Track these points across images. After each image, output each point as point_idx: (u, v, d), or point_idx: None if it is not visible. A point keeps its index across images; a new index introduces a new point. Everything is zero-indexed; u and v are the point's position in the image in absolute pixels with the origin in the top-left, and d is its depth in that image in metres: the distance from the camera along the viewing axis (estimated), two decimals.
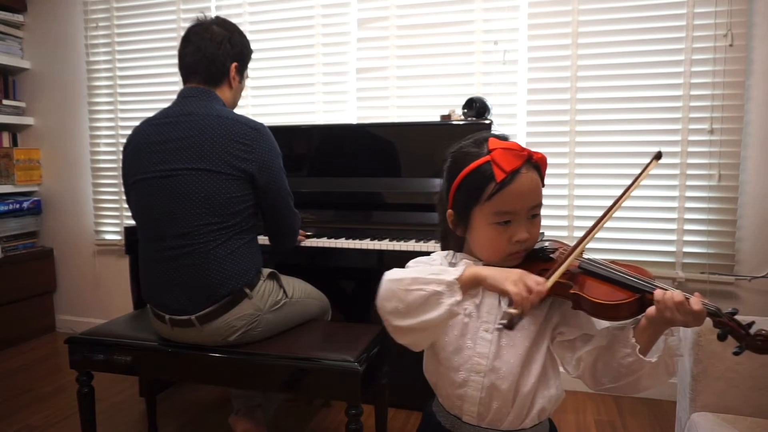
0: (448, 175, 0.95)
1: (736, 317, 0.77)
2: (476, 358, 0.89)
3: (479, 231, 0.91)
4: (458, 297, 0.82)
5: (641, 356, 0.79)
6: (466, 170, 0.90)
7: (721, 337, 0.77)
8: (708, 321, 0.78)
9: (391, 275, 0.87)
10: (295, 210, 1.67)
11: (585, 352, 0.86)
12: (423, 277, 0.83)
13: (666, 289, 0.78)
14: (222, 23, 1.62)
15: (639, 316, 0.81)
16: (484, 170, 0.88)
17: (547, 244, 0.96)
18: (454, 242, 1.00)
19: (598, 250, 2.19)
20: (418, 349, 0.91)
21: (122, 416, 2.11)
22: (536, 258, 0.93)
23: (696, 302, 0.75)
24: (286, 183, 1.60)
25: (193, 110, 1.50)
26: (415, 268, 0.90)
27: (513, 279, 0.80)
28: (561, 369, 0.94)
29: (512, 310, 0.78)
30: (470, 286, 0.84)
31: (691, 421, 1.29)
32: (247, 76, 1.73)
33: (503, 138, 0.93)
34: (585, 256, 0.90)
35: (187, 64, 1.58)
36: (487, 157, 0.88)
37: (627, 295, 0.81)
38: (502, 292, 0.82)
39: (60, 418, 2.09)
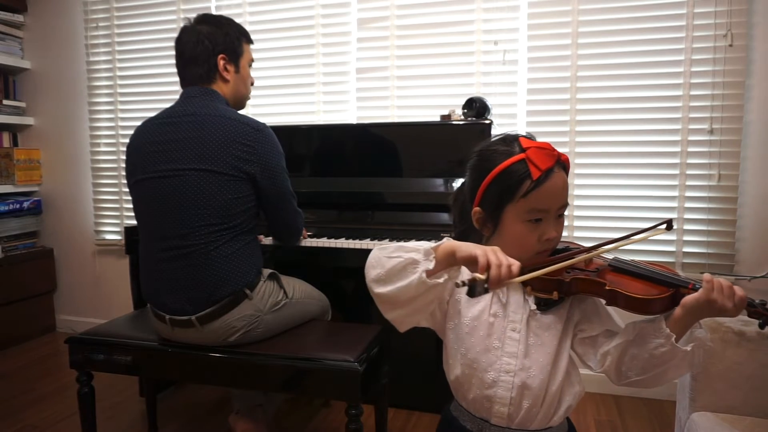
0: (476, 173, 0.94)
1: (767, 306, 0.81)
2: (505, 357, 0.90)
3: (510, 228, 0.91)
4: (430, 265, 0.80)
5: (676, 345, 0.80)
6: (500, 167, 0.90)
7: (762, 326, 0.81)
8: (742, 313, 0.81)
9: (379, 247, 0.88)
10: (298, 209, 1.67)
11: (612, 347, 0.87)
12: (406, 246, 0.84)
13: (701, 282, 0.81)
14: (203, 20, 1.59)
15: (670, 311, 0.83)
16: (518, 168, 0.88)
17: (568, 245, 0.98)
18: (474, 241, 0.99)
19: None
20: (403, 328, 0.90)
21: (122, 416, 2.11)
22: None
23: (740, 289, 0.78)
24: (289, 183, 1.59)
25: (195, 110, 1.50)
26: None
27: (484, 248, 0.78)
28: (581, 367, 0.95)
29: (477, 276, 0.75)
30: (445, 255, 0.82)
31: (691, 421, 1.29)
32: (252, 60, 1.68)
33: (532, 138, 0.93)
34: (612, 255, 0.92)
35: (180, 72, 1.60)
36: (521, 155, 0.88)
37: (661, 290, 0.84)
38: (470, 258, 0.79)
39: (60, 418, 2.09)
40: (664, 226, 0.89)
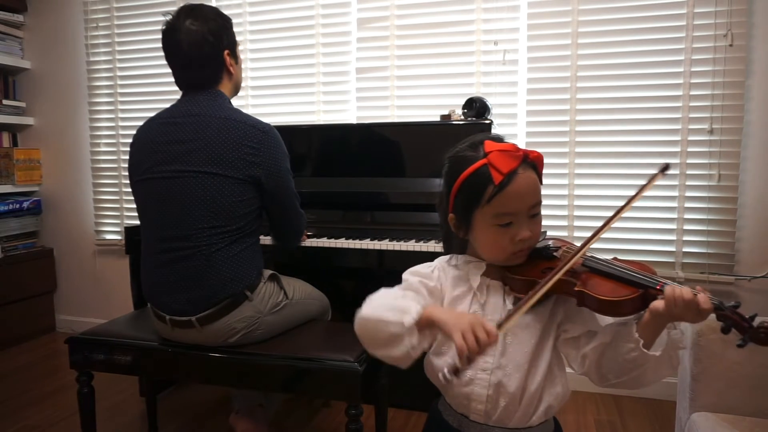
0: (447, 179, 0.95)
1: (738, 310, 0.77)
2: (482, 356, 0.89)
3: (482, 233, 0.91)
4: (414, 341, 0.83)
5: (645, 351, 0.80)
6: (464, 174, 0.90)
7: (725, 331, 0.77)
8: (710, 315, 0.78)
9: (362, 312, 0.89)
10: (301, 210, 1.67)
11: (590, 348, 0.87)
12: (384, 319, 0.85)
13: (668, 284, 0.78)
14: (190, 14, 1.50)
15: (642, 312, 0.82)
16: (481, 173, 0.88)
17: (550, 242, 0.97)
18: (456, 244, 1.00)
19: (598, 250, 2.19)
20: (404, 367, 0.92)
21: (122, 416, 2.11)
22: (540, 256, 0.94)
23: (705, 300, 0.75)
24: (293, 184, 1.59)
25: (199, 111, 1.48)
26: (382, 300, 0.91)
27: (462, 328, 0.77)
28: (567, 367, 0.94)
29: (457, 365, 0.78)
30: (427, 325, 0.84)
31: (691, 421, 1.29)
32: (239, 44, 1.63)
33: (499, 139, 0.93)
34: (588, 253, 0.90)
35: (182, 75, 1.53)
36: (483, 161, 0.88)
37: (630, 291, 0.82)
38: (447, 335, 0.81)
39: (60, 418, 2.09)
40: (659, 171, 0.88)
